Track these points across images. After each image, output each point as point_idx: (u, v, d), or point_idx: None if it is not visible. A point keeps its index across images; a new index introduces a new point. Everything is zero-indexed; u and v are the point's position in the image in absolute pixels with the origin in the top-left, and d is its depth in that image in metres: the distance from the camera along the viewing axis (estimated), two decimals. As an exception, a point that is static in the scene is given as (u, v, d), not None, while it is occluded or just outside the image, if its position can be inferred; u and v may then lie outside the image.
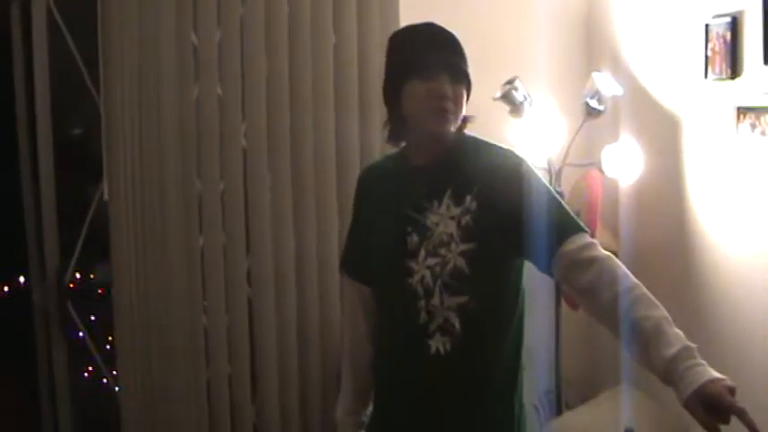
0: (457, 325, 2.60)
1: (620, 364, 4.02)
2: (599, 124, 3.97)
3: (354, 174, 3.58)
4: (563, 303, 3.99)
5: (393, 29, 3.81)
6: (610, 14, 4.25)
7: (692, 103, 3.74)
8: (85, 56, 4.06)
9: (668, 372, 2.44)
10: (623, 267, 2.54)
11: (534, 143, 3.92)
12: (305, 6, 3.88)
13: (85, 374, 4.95)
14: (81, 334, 4.26)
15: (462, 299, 2.60)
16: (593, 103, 3.86)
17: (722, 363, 3.57)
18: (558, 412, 4.01)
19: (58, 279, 4.05)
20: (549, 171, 3.94)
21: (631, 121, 4.02)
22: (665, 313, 2.49)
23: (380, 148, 3.83)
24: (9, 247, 4.86)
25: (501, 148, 2.71)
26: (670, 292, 3.90)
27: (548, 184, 2.66)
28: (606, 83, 3.86)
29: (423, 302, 2.62)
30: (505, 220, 2.57)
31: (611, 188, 4.03)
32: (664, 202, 3.90)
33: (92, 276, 5.03)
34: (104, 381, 4.43)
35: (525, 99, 3.87)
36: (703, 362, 2.41)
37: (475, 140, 2.71)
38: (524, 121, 3.90)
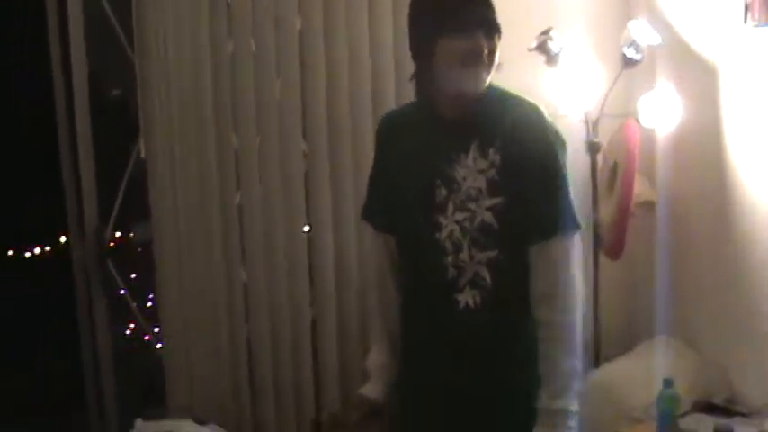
0: (488, 278, 2.60)
1: (659, 315, 4.03)
2: (636, 74, 3.93)
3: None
4: (601, 253, 3.97)
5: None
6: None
7: (731, 50, 3.69)
8: (120, 15, 4.06)
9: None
10: (567, 298, 2.58)
11: (570, 94, 3.89)
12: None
13: (127, 332, 5.00)
14: (122, 292, 4.30)
15: (492, 253, 2.59)
16: (630, 53, 3.81)
17: (764, 313, 3.57)
18: (597, 364, 4.01)
19: (98, 238, 4.08)
20: (586, 122, 3.92)
21: (668, 70, 3.97)
22: (574, 365, 2.60)
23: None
24: (49, 207, 4.89)
25: (527, 102, 2.68)
26: (707, 242, 3.91)
27: (563, 156, 2.65)
28: (643, 31, 3.82)
29: (451, 258, 2.61)
30: (530, 177, 2.58)
31: (649, 138, 3.99)
32: (702, 152, 3.86)
33: (131, 235, 5.07)
34: (146, 338, 4.47)
35: (561, 49, 3.84)
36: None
37: (501, 92, 2.68)
38: (560, 71, 3.87)
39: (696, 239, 3.96)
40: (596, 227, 3.93)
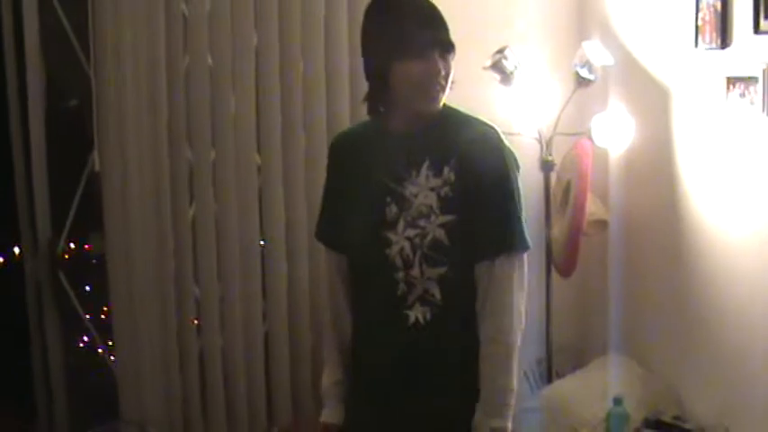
0: (437, 295, 2.61)
1: (610, 332, 4.06)
2: (589, 94, 3.97)
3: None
4: (553, 270, 4.00)
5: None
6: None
7: (682, 72, 3.74)
8: (76, 26, 4.05)
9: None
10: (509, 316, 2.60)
11: (524, 112, 3.92)
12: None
13: (80, 345, 4.95)
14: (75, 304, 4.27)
15: (442, 270, 2.60)
16: (584, 73, 3.85)
17: (712, 330, 3.61)
18: (549, 380, 4.04)
19: (51, 250, 4.06)
20: (540, 140, 3.95)
21: (621, 90, 4.02)
22: (512, 385, 2.62)
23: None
24: (2, 218, 4.84)
25: (481, 121, 2.70)
26: (659, 262, 3.95)
27: (517, 175, 2.66)
28: (597, 52, 3.86)
29: (401, 274, 2.62)
30: (483, 195, 2.59)
31: (602, 157, 4.03)
32: (653, 172, 3.91)
33: (86, 247, 5.03)
34: (99, 350, 4.43)
35: (516, 68, 3.87)
36: None
37: (455, 112, 2.69)
38: (514, 89, 3.90)
39: (647, 258, 4.00)
40: (549, 245, 3.96)
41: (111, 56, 3.67)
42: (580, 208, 3.81)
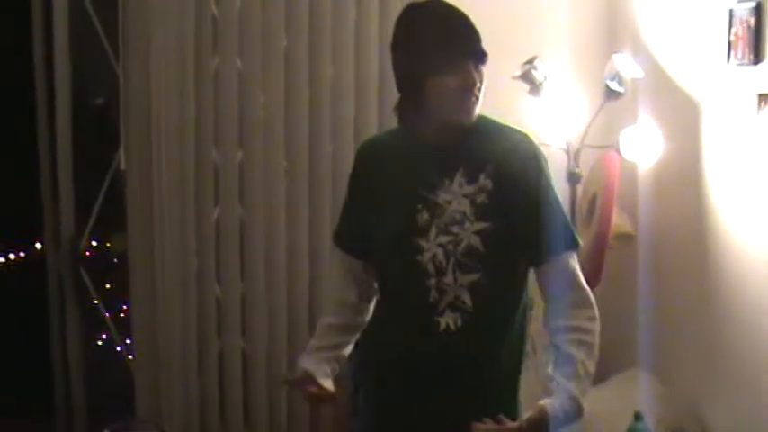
0: (468, 301, 2.62)
1: (632, 347, 4.03)
2: (618, 106, 3.94)
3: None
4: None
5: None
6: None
7: (713, 87, 3.71)
8: (106, 25, 4.06)
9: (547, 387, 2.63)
10: (593, 308, 2.70)
11: (553, 123, 3.90)
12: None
13: (99, 343, 4.97)
14: (95, 301, 4.28)
15: (475, 276, 2.61)
16: (614, 85, 3.83)
17: (736, 347, 3.58)
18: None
19: (73, 246, 4.07)
20: (568, 152, 3.93)
21: (651, 104, 3.99)
22: (591, 369, 2.65)
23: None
24: (26, 213, 4.87)
25: (515, 129, 2.72)
26: (686, 277, 3.91)
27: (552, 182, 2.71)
28: (627, 65, 3.84)
29: (434, 280, 2.62)
30: (524, 201, 2.62)
31: (630, 171, 4.00)
32: (682, 187, 3.88)
33: (108, 245, 5.05)
34: (117, 348, 4.45)
35: (545, 79, 3.85)
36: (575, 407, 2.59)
37: (487, 120, 2.69)
38: (543, 100, 3.88)
39: (673, 273, 3.97)
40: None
41: (139, 55, 3.69)
42: (606, 220, 3.78)
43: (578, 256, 2.74)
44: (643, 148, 3.84)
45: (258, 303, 3.92)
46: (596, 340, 2.67)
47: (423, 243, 2.63)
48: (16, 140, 5.08)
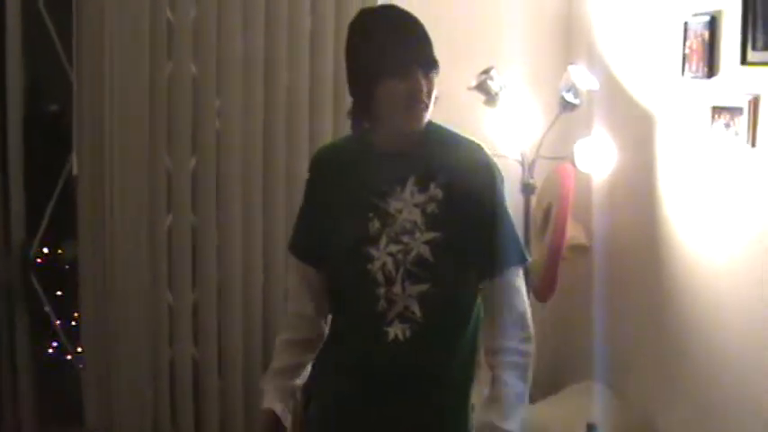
0: (417, 312, 2.59)
1: (586, 359, 4.04)
2: (573, 118, 3.96)
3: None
4: (531, 295, 3.98)
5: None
6: (588, 8, 4.23)
7: (668, 100, 3.73)
8: (60, 29, 4.02)
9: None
10: (529, 328, 2.66)
11: (508, 134, 3.90)
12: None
13: (49, 350, 4.91)
14: (46, 309, 4.23)
15: (424, 287, 2.58)
16: (569, 97, 3.84)
17: (690, 358, 3.59)
18: (522, 405, 4.00)
19: (24, 253, 4.02)
20: (522, 163, 3.93)
21: (606, 115, 4.01)
22: (522, 391, 2.63)
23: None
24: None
25: (469, 139, 2.69)
26: (640, 288, 3.92)
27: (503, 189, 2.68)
28: (582, 76, 3.85)
29: (383, 290, 2.59)
30: (475, 213, 2.58)
31: (584, 182, 4.01)
32: (636, 198, 3.89)
33: (59, 252, 4.99)
34: (68, 357, 4.40)
35: (501, 89, 3.85)
36: None
37: (441, 129, 2.67)
38: (499, 111, 3.88)
39: (627, 285, 3.99)
40: (527, 268, 3.93)
41: (93, 59, 3.66)
42: (560, 231, 3.79)
43: (526, 271, 2.74)
44: (597, 159, 3.85)
45: (210, 311, 3.88)
46: (530, 362, 2.65)
47: (373, 252, 2.61)
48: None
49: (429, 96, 2.56)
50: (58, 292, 4.63)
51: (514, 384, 2.60)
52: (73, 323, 4.45)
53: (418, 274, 2.58)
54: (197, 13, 3.75)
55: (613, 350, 3.98)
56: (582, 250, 4.01)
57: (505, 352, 2.61)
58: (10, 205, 4.00)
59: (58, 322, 4.31)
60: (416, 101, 2.54)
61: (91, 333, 3.82)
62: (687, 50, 3.58)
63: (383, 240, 2.60)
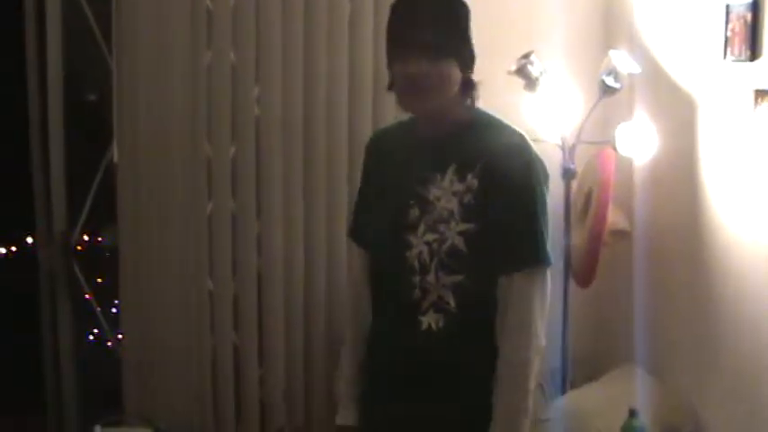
0: (452, 302, 2.57)
1: (628, 344, 4.02)
2: (614, 102, 3.92)
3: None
4: (571, 280, 3.96)
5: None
6: (629, -9, 4.21)
7: (710, 83, 3.69)
8: (99, 18, 4.03)
9: None
10: (529, 336, 2.55)
11: (548, 119, 3.88)
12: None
13: (90, 338, 4.95)
14: (87, 296, 4.25)
15: (458, 278, 2.56)
16: (610, 81, 3.81)
17: (733, 344, 3.56)
18: (563, 391, 4.00)
19: (65, 240, 4.04)
20: (563, 148, 3.91)
21: (647, 99, 3.97)
22: (526, 405, 2.56)
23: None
24: (17, 207, 4.84)
25: (512, 129, 2.65)
26: (682, 274, 3.89)
27: (544, 189, 2.62)
28: (623, 60, 3.82)
29: (418, 278, 2.58)
30: (507, 207, 2.54)
31: (626, 167, 3.98)
32: (678, 183, 3.86)
33: (100, 239, 5.03)
34: (108, 344, 4.43)
35: (541, 74, 3.83)
36: None
37: (487, 117, 2.66)
38: (539, 96, 3.86)
39: (669, 270, 3.95)
40: (568, 254, 3.92)
41: (133, 48, 3.67)
42: (601, 217, 3.76)
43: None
44: (639, 144, 3.81)
45: (251, 298, 3.89)
46: (527, 372, 2.55)
47: (412, 239, 2.59)
48: (8, 134, 5.05)
49: (440, 82, 2.54)
50: (99, 280, 4.65)
51: (510, 398, 2.56)
52: (113, 310, 4.48)
53: (451, 265, 2.56)
54: (236, 0, 3.75)
55: (655, 335, 3.96)
56: (623, 235, 3.99)
57: (499, 361, 2.56)
58: (51, 193, 4.02)
59: (99, 309, 4.33)
60: (418, 86, 2.53)
61: (131, 320, 3.84)
62: (729, 33, 3.54)
63: (421, 228, 2.59)
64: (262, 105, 3.82)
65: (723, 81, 3.60)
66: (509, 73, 3.82)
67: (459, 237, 2.55)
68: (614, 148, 3.84)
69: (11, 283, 5.69)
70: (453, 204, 2.56)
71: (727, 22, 3.54)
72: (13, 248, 6.15)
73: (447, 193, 2.58)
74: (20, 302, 4.94)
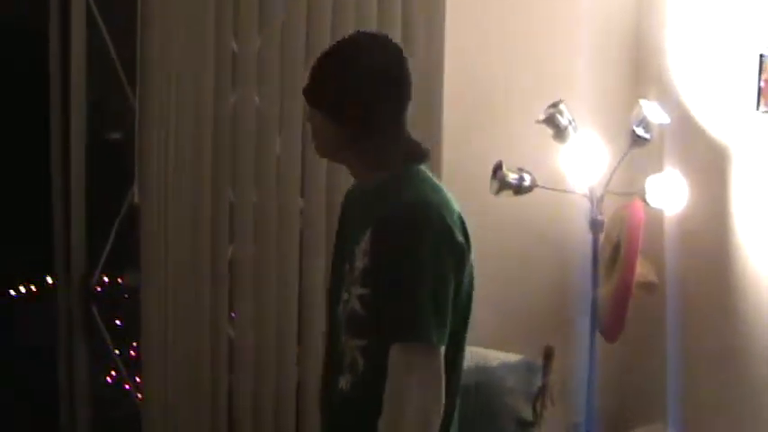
0: (361, 366, 2.44)
1: (657, 400, 3.94)
2: (643, 153, 3.87)
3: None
4: (598, 334, 3.89)
5: (439, 50, 3.78)
6: (658, 40, 4.16)
7: (742, 134, 3.64)
8: (123, 56, 4.02)
9: None
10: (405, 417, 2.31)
11: (576, 169, 3.83)
12: (348, 15, 3.81)
13: (108, 380, 4.91)
14: (105, 338, 4.21)
15: (362, 342, 2.44)
16: (640, 131, 3.76)
17: (765, 402, 3.48)
18: (589, 447, 3.92)
19: (84, 283, 4.00)
20: (591, 198, 3.85)
21: (677, 150, 3.92)
22: None
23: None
24: (38, 246, 4.82)
25: (416, 192, 2.43)
26: (713, 328, 3.83)
27: (436, 256, 2.36)
28: (654, 110, 3.77)
29: (343, 336, 2.50)
30: (388, 272, 2.36)
31: (656, 219, 3.92)
32: (710, 235, 3.80)
33: (119, 280, 5.00)
34: (126, 387, 4.38)
35: (570, 123, 3.78)
36: None
37: (399, 178, 2.47)
38: (566, 145, 3.81)
39: (700, 324, 3.89)
40: (594, 307, 3.85)
41: (157, 89, 3.64)
42: (629, 269, 3.70)
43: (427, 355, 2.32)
44: (669, 195, 3.76)
45: (270, 347, 3.84)
46: None
47: (343, 294, 2.50)
48: (30, 172, 5.04)
49: (315, 131, 2.52)
50: (117, 322, 4.62)
51: None
52: (131, 353, 4.44)
53: (353, 328, 2.45)
54: (261, 43, 3.73)
55: (685, 394, 3.88)
56: (651, 288, 3.92)
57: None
58: (71, 233, 3.99)
59: (117, 352, 4.29)
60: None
61: (152, 362, 3.78)
62: (762, 83, 3.50)
63: (345, 286, 2.49)
64: (284, 149, 3.78)
65: (755, 132, 3.56)
66: (537, 122, 3.77)
67: (357, 301, 2.43)
68: (643, 200, 3.78)
69: (30, 322, 5.66)
70: (360, 266, 2.44)
71: (760, 72, 3.51)
72: (33, 287, 6.13)
73: (360, 252, 2.44)
74: (38, 343, 4.90)
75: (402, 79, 2.49)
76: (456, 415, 2.52)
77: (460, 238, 2.40)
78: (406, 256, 2.33)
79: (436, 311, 2.33)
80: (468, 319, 2.50)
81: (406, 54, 2.52)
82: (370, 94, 2.43)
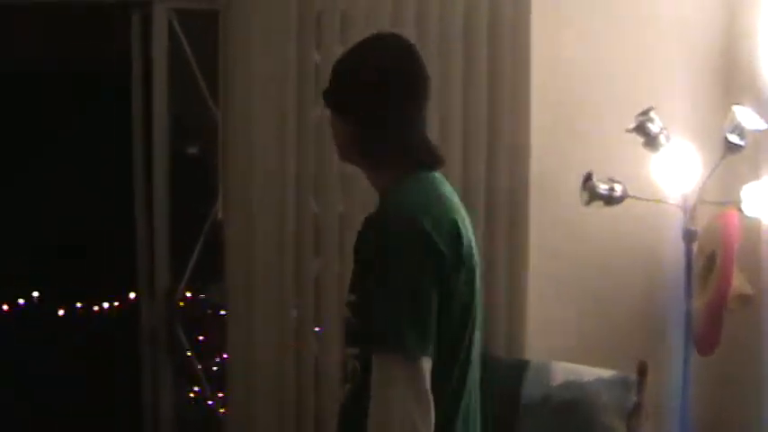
0: (358, 374, 2.35)
1: (753, 414, 3.83)
2: (737, 160, 3.76)
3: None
4: (693, 348, 3.78)
5: (524, 66, 3.71)
6: (751, 45, 4.04)
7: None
8: (205, 72, 4.02)
9: None
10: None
11: (668, 178, 3.73)
12: (431, 27, 3.76)
13: (191, 396, 4.92)
14: (188, 354, 4.21)
15: (355, 350, 2.37)
16: (734, 138, 3.64)
17: None
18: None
19: (168, 300, 4.00)
20: (684, 208, 3.74)
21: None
22: None
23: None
24: (121, 263, 4.85)
25: (397, 202, 2.36)
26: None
27: (411, 264, 2.26)
28: (748, 117, 3.65)
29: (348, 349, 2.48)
30: (366, 279, 2.29)
31: (753, 229, 3.80)
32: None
33: (202, 296, 5.00)
34: (209, 403, 4.37)
35: (660, 131, 3.68)
36: None
37: (396, 190, 2.40)
38: (658, 153, 3.71)
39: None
40: (689, 320, 3.74)
41: (240, 103, 3.63)
42: (725, 281, 3.59)
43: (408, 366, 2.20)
44: (766, 204, 3.63)
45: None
46: None
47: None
48: (114, 188, 5.07)
49: (336, 134, 2.48)
50: (200, 337, 4.62)
51: None
52: (214, 368, 4.43)
53: (348, 335, 2.46)
54: (345, 54, 3.69)
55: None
56: (747, 301, 3.80)
57: None
58: (155, 250, 3.99)
59: (200, 367, 4.28)
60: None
61: (237, 377, 3.76)
62: None
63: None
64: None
65: None
66: (627, 131, 3.68)
67: (347, 308, 2.41)
68: (739, 209, 3.67)
69: (113, 339, 5.70)
70: (353, 271, 2.41)
71: None
72: (116, 303, 6.17)
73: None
74: (122, 358, 4.92)
75: (413, 79, 2.44)
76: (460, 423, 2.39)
77: (441, 246, 2.27)
78: (376, 256, 2.27)
79: (414, 322, 2.22)
80: (466, 330, 2.36)
81: (418, 53, 2.47)
82: (376, 96, 2.40)
